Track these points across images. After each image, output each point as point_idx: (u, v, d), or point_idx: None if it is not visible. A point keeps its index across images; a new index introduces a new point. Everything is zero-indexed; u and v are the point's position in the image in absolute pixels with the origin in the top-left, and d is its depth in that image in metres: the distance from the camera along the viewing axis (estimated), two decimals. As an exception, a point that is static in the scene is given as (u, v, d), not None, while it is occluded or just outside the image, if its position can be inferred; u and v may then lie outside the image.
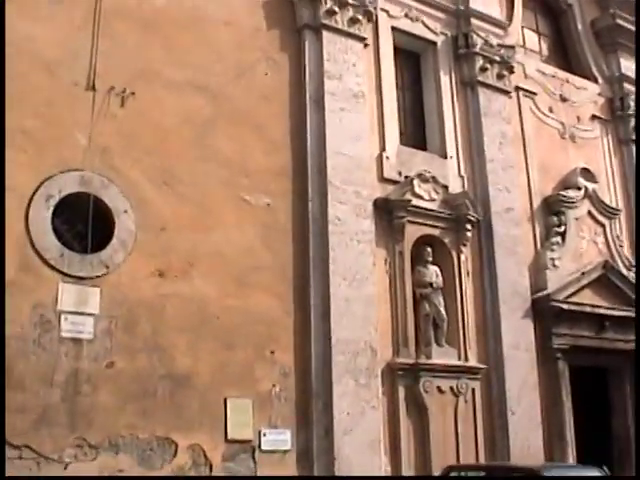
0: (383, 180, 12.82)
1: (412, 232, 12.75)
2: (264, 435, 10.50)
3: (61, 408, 8.91)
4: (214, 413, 10.09)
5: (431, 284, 12.68)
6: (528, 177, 15.02)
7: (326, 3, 12.66)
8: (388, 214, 12.51)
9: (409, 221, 12.67)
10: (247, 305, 10.72)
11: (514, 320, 13.48)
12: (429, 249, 12.86)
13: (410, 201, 12.70)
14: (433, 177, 13.31)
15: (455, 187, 13.68)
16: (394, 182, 12.90)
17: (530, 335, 13.65)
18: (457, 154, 14.05)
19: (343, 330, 11.32)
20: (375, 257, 12.07)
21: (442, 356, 12.46)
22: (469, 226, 13.33)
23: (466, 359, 12.76)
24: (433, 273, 12.80)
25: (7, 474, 8.02)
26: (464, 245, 13.32)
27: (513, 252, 13.90)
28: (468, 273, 13.32)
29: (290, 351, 11.03)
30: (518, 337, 13.41)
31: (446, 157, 13.88)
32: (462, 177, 13.91)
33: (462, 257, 13.27)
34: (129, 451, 9.34)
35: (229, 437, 10.17)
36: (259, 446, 10.40)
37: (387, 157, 12.99)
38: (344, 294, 11.48)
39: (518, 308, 13.62)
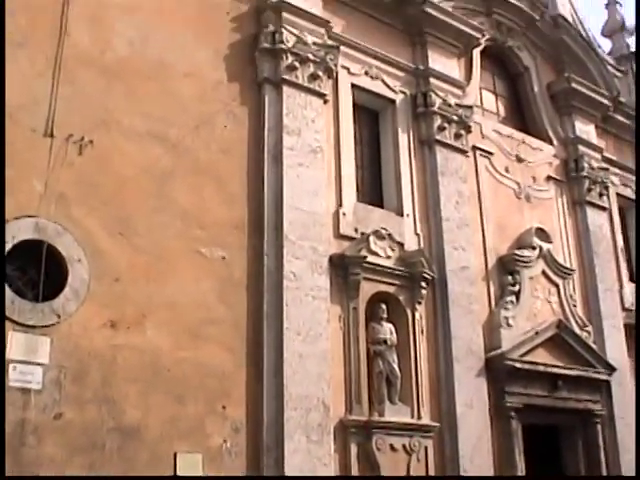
0: (339, 236, 13.14)
1: (367, 289, 13.07)
2: (213, 491, 10.63)
3: (6, 459, 8.88)
4: (163, 467, 10.12)
5: (385, 341, 12.96)
6: (483, 236, 15.54)
7: (287, 58, 13.06)
8: (343, 270, 12.82)
9: (364, 278, 12.98)
10: (200, 358, 10.85)
11: (468, 378, 13.84)
12: (384, 306, 13.17)
13: (366, 258, 13.04)
14: (389, 234, 13.70)
15: (411, 245, 14.08)
16: (350, 238, 13.23)
17: (484, 394, 14.02)
18: (413, 212, 14.49)
19: (296, 386, 11.50)
20: (329, 313, 12.32)
21: (395, 414, 12.73)
22: (424, 284, 13.73)
23: (419, 417, 13.03)
24: (387, 330, 13.09)
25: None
26: (419, 303, 13.69)
27: (468, 310, 14.33)
28: (422, 331, 13.66)
29: (242, 406, 11.15)
30: (471, 395, 13.76)
31: (402, 215, 14.30)
32: (418, 235, 14.34)
33: (417, 315, 13.62)
34: (75, 506, 9.38)
35: (178, 492, 10.31)
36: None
37: (344, 213, 13.36)
38: (297, 349, 11.68)
39: (472, 366, 14.00)
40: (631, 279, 19.06)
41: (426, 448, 12.94)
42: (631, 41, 22.30)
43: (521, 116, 18.43)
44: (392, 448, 12.49)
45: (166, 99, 11.76)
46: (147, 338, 10.45)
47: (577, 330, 16.27)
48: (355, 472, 12.01)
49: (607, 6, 23.02)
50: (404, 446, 12.65)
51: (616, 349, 17.08)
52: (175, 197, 11.41)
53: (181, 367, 10.68)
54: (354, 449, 12.13)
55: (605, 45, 22.13)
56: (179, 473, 10.28)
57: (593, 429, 15.93)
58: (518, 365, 14.60)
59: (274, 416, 11.30)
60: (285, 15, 13.26)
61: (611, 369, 16.42)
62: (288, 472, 11.05)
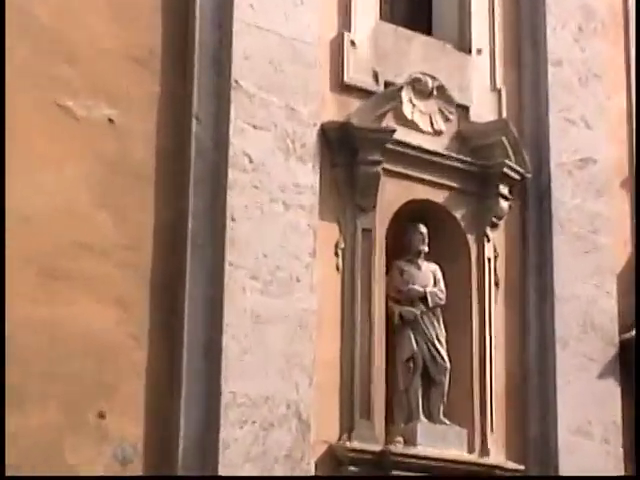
0: (342, 88, 13.70)
1: (393, 194, 13.59)
2: None
3: None
4: None
5: (424, 299, 13.55)
6: (629, 97, 16.17)
7: None
8: (347, 155, 13.35)
9: (388, 171, 13.46)
10: (58, 318, 11.21)
11: (584, 380, 14.53)
12: (424, 230, 13.69)
13: (393, 132, 13.47)
14: (441, 88, 14.24)
15: (483, 111, 14.70)
16: (363, 93, 13.80)
17: (615, 410, 14.79)
18: (492, 46, 15.06)
19: (246, 379, 11.90)
20: (317, 239, 12.79)
21: (438, 441, 13.21)
22: (506, 189, 14.30)
23: (485, 451, 13.65)
24: (429, 277, 13.68)
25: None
26: (494, 227, 14.32)
27: (592, 245, 15.06)
28: (498, 282, 14.37)
29: (137, 414, 11.63)
30: (591, 414, 14.47)
31: (470, 51, 14.86)
32: (498, 91, 14.95)
33: (488, 250, 14.25)
34: None
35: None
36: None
37: (353, 42, 13.76)
38: (252, 309, 12.09)
39: (593, 357, 14.73)
40: None
41: (497, 511, 13.60)
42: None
43: None
44: (431, 508, 13.11)
45: None
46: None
47: None
48: None
49: None
50: (454, 504, 13.29)
51: None
52: (29, 9, 11.69)
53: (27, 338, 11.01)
54: (356, 506, 12.73)
55: None
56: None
57: None
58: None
59: (200, 435, 11.71)
60: None
61: None
62: None
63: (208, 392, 11.83)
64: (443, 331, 13.69)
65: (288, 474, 11.96)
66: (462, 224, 14.21)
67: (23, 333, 10.98)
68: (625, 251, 15.79)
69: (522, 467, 13.90)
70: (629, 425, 14.93)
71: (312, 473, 12.28)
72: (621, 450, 14.74)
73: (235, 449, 11.71)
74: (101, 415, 11.39)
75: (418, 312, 13.52)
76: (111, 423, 11.42)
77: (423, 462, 13.05)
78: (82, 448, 11.23)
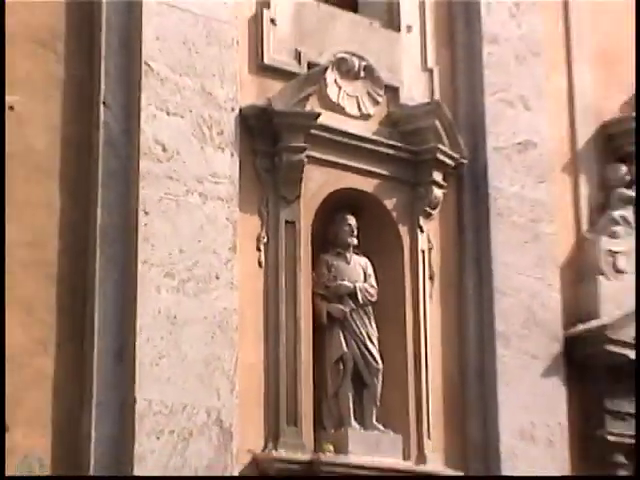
0: (261, 69, 13.71)
1: (319, 183, 13.64)
2: None
3: None
4: None
5: (354, 295, 13.52)
6: (570, 79, 16.35)
7: None
8: (269, 141, 13.33)
9: (313, 159, 13.46)
10: None
11: (527, 379, 14.61)
12: (353, 221, 13.72)
13: (317, 116, 13.47)
14: (368, 68, 14.28)
15: (415, 92, 14.75)
16: (285, 74, 13.73)
17: (560, 411, 14.93)
18: (422, 24, 15.15)
19: (162, 385, 11.84)
20: (237, 232, 12.77)
21: (371, 449, 13.22)
22: (440, 177, 14.36)
23: (421, 459, 13.68)
24: (359, 272, 13.67)
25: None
26: (428, 216, 14.34)
27: (531, 235, 15.16)
28: (432, 276, 14.41)
29: (44, 428, 11.54)
30: (534, 415, 14.58)
31: (399, 29, 14.90)
32: (430, 71, 14.99)
33: (422, 242, 14.29)
34: None
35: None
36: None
37: (273, 20, 13.78)
38: (167, 308, 12.03)
39: (536, 354, 14.83)
40: None
41: (436, 523, 13.67)
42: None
43: None
44: (364, 519, 13.09)
45: None
46: None
47: None
48: None
49: None
50: (389, 516, 13.29)
51: None
52: None
53: None
54: (282, 520, 12.69)
55: None
56: None
57: None
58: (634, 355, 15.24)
59: (113, 447, 11.60)
60: None
61: None
62: None
63: (121, 401, 11.72)
64: (375, 330, 13.70)
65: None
66: (394, 214, 14.27)
67: None
68: (568, 240, 16.02)
69: (461, 474, 13.96)
70: (576, 425, 15.15)
71: (237, 482, 12.27)
72: (567, 453, 14.87)
73: (152, 461, 11.62)
74: (4, 427, 11.11)
75: (347, 310, 13.52)
76: (15, 435, 11.20)
77: (355, 471, 13.03)
78: (-16, 462, 11.09)
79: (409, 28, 15.04)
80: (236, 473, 12.26)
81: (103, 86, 12.30)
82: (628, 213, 16.26)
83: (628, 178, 16.41)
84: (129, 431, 11.56)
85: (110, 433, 11.60)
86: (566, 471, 14.64)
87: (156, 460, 11.60)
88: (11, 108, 11.76)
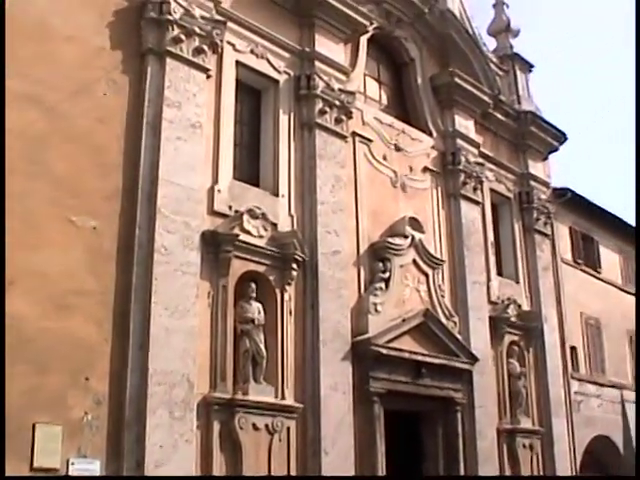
0: (213, 213, 13.61)
1: (238, 267, 13.64)
2: (72, 464, 10.71)
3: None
4: (21, 439, 10.26)
5: (253, 320, 13.57)
6: (357, 222, 16.41)
7: (173, 30, 13.37)
8: (215, 247, 13.29)
9: (236, 256, 13.52)
10: (65, 329, 10.98)
11: (333, 362, 14.63)
12: (253, 285, 13.77)
13: (238, 236, 13.55)
14: (263, 214, 14.30)
15: (285, 226, 14.72)
16: (224, 216, 13.73)
17: (349, 378, 14.83)
18: (289, 193, 15.15)
19: (161, 361, 11.85)
20: (199, 289, 12.78)
21: (259, 393, 13.36)
22: (295, 265, 14.43)
23: (283, 397, 13.73)
24: (256, 309, 13.72)
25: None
26: (289, 284, 14.38)
27: (337, 294, 15.13)
28: (291, 312, 14.36)
29: (105, 379, 11.34)
30: (336, 379, 14.55)
31: (278, 195, 14.92)
32: (292, 216, 15.01)
33: (286, 296, 14.31)
34: None
35: (35, 465, 10.33)
36: (66, 475, 10.65)
37: (219, 190, 13.82)
38: (165, 324, 12.02)
39: (338, 350, 14.80)
40: (499, 273, 20.48)
41: (288, 429, 13.68)
42: (515, 42, 23.89)
43: (403, 106, 19.44)
44: (255, 427, 13.14)
45: (45, 62, 11.80)
46: (13, 306, 10.45)
47: (443, 320, 17.48)
48: (217, 450, 12.60)
49: (494, 6, 24.55)
50: (267, 426, 13.32)
51: (480, 340, 18.47)
52: (49, 163, 11.44)
53: (45, 337, 10.76)
54: (217, 427, 12.69)
55: (490, 44, 23.48)
56: (37, 445, 10.37)
57: (453, 417, 17.21)
58: (384, 351, 15.59)
59: (137, 390, 11.59)
60: (174, -14, 13.56)
61: (474, 359, 17.79)
62: (149, 448, 11.37)
63: (141, 368, 11.80)
64: (262, 337, 13.72)
65: (183, 414, 11.96)
66: (273, 283, 14.23)
67: (43, 337, 10.74)
68: (355, 296, 15.87)
69: (302, 405, 14.09)
70: (356, 384, 14.96)
71: (195, 413, 12.23)
72: (351, 397, 14.80)
73: (155, 398, 11.72)
74: (87, 379, 11.17)
75: (250, 327, 13.59)
76: (92, 383, 11.20)
77: (252, 404, 13.13)
78: (77, 396, 10.95)
79: (283, 195, 15.05)
80: (194, 405, 12.19)
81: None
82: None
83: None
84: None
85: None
86: (341, 409, 14.49)
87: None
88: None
